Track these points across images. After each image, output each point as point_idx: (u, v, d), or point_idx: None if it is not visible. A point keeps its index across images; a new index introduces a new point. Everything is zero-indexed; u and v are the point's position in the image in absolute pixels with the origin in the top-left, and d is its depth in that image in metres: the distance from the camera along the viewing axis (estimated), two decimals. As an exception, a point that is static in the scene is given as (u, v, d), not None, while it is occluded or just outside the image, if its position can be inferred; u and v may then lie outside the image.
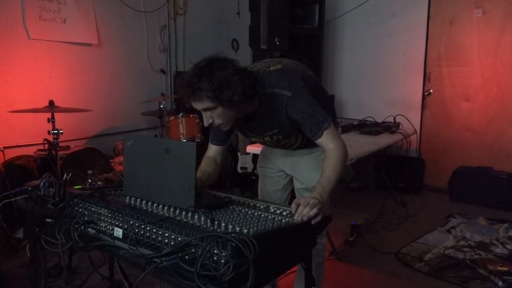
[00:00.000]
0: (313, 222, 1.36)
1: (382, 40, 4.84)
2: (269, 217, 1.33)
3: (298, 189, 2.03)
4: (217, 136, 1.86)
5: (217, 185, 3.60)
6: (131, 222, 1.29)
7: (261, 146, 2.17)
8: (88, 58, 3.79)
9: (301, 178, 1.96)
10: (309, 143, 1.84)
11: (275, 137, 1.78)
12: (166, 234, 1.19)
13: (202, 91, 1.46)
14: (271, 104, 1.63)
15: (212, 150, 1.88)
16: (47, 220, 1.48)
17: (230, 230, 1.15)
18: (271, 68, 1.67)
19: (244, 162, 4.12)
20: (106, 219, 1.37)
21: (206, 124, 1.58)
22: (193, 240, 1.09)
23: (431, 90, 4.62)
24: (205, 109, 1.52)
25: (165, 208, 1.35)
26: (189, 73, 1.51)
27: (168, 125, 3.69)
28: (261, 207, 1.47)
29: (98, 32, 3.82)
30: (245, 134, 1.86)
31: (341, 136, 1.68)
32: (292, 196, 2.16)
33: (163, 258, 1.09)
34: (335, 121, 1.95)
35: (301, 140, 1.86)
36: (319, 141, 1.65)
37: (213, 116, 1.55)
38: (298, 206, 1.38)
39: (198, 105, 1.52)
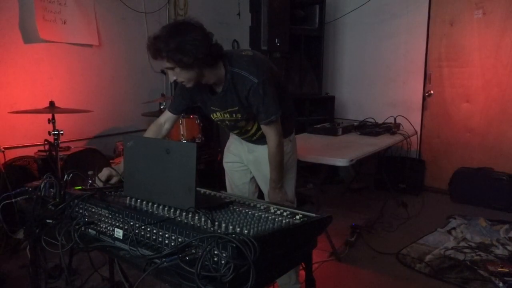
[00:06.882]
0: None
1: (383, 41, 4.84)
2: (270, 217, 1.33)
3: (264, 181, 2.11)
4: (176, 105, 2.05)
5: (217, 185, 3.60)
6: (132, 223, 1.29)
7: None
8: (88, 59, 3.79)
9: (265, 171, 2.06)
10: (264, 135, 1.97)
11: (234, 115, 1.92)
12: (167, 235, 1.19)
13: (161, 52, 1.64)
14: (236, 82, 1.81)
15: (165, 116, 2.08)
16: (48, 221, 1.48)
17: (230, 231, 1.15)
18: (243, 53, 1.88)
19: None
20: (106, 220, 1.37)
21: (171, 80, 1.77)
22: (193, 241, 1.09)
23: (432, 91, 4.62)
24: (168, 68, 1.71)
25: (166, 209, 1.35)
26: (155, 34, 1.67)
27: (168, 126, 3.69)
28: (261, 207, 1.47)
29: (99, 33, 3.82)
30: (209, 109, 1.98)
31: (280, 132, 1.92)
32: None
33: (164, 259, 1.09)
34: (293, 117, 2.14)
35: (255, 128, 2.00)
36: (263, 128, 1.90)
37: (175, 74, 1.72)
38: None
39: (162, 64, 1.70)
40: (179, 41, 1.61)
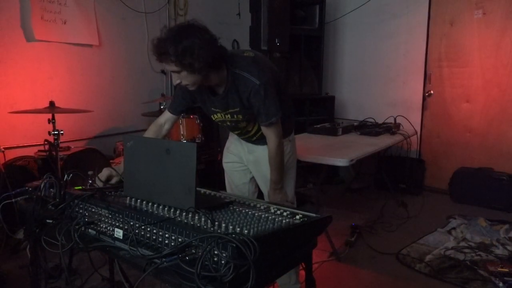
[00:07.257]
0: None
1: (383, 41, 4.84)
2: (270, 217, 1.33)
3: (264, 181, 2.12)
4: (176, 106, 2.04)
5: (217, 185, 3.60)
6: (132, 223, 1.29)
7: None
8: (88, 59, 3.79)
9: (265, 172, 2.07)
10: (263, 135, 1.97)
11: (235, 116, 1.92)
12: (167, 235, 1.19)
13: (168, 56, 1.61)
14: (238, 83, 1.80)
15: (165, 116, 2.07)
16: (48, 221, 1.48)
17: (230, 230, 1.15)
18: (245, 54, 1.87)
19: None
20: (106, 220, 1.37)
21: (174, 83, 1.75)
22: (193, 241, 1.09)
23: (432, 91, 4.61)
24: (172, 71, 1.69)
25: (166, 208, 1.35)
26: (160, 36, 1.64)
27: (168, 126, 3.69)
28: (262, 207, 1.47)
29: (99, 33, 3.82)
30: (209, 110, 1.98)
31: (280, 133, 1.92)
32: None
33: (164, 259, 1.09)
34: (292, 117, 2.15)
35: (256, 129, 2.00)
36: (263, 129, 1.91)
37: (181, 77, 1.70)
38: None
39: (166, 67, 1.68)
40: (188, 44, 1.58)
